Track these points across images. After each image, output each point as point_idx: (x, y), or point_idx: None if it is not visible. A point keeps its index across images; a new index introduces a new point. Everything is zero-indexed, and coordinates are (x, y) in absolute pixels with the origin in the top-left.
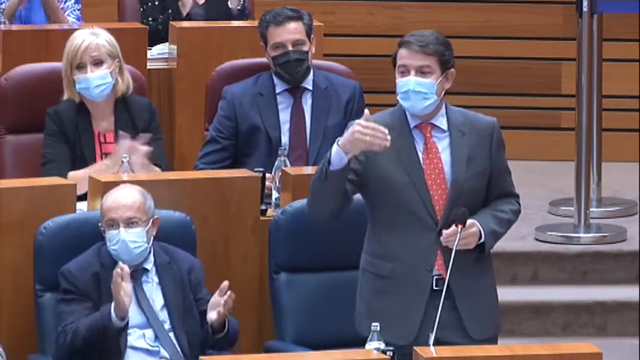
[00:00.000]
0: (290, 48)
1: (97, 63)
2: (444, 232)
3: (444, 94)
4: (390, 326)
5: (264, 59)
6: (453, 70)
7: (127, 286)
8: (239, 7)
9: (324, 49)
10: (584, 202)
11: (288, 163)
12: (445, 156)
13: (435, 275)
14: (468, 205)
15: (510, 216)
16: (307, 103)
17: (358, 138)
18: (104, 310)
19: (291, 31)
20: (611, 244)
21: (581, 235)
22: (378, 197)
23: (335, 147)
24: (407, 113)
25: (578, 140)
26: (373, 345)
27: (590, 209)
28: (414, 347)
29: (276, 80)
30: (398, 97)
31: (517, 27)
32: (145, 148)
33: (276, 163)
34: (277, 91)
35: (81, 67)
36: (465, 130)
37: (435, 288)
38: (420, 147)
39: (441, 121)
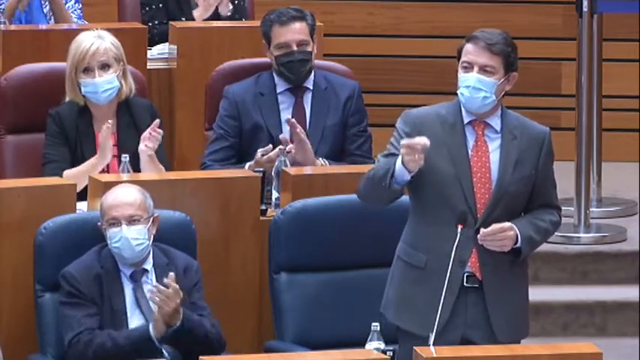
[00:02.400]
0: (295, 48)
1: (104, 67)
2: (482, 230)
3: (503, 96)
4: (416, 317)
5: (264, 59)
6: (516, 73)
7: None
8: (229, 14)
9: (324, 49)
10: (584, 202)
11: (288, 163)
12: (494, 156)
13: (467, 272)
14: (509, 208)
15: (548, 226)
16: (307, 102)
17: (407, 161)
18: (142, 329)
19: (296, 31)
20: (611, 244)
21: (581, 235)
22: (422, 188)
23: (399, 164)
24: (462, 109)
25: (578, 140)
26: (373, 345)
27: (590, 209)
28: (414, 347)
29: (277, 80)
30: (458, 92)
31: (517, 27)
32: (158, 136)
33: (276, 163)
34: (278, 90)
35: (88, 70)
36: (516, 134)
37: (465, 284)
38: (470, 144)
39: (496, 122)
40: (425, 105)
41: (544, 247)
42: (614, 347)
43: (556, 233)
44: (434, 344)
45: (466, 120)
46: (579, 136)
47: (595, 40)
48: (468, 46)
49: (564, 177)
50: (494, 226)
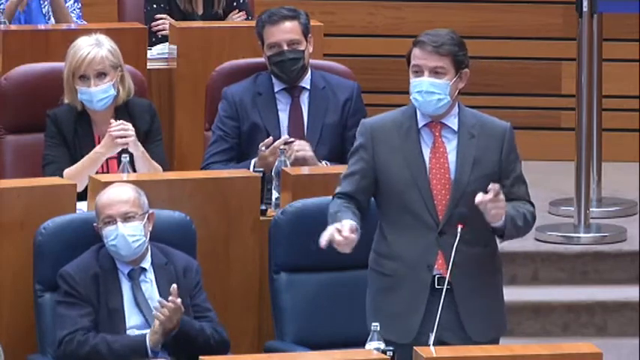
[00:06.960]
0: (285, 47)
1: (101, 75)
2: (480, 196)
3: (458, 94)
4: (392, 325)
5: (263, 59)
6: (467, 70)
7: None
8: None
9: (324, 49)
10: (584, 202)
11: (288, 163)
12: (452, 157)
13: (437, 274)
14: (472, 208)
15: (528, 214)
16: (305, 102)
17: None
18: (138, 338)
19: (286, 31)
20: (611, 244)
21: (581, 235)
22: (384, 196)
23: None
24: (417, 112)
25: (578, 140)
26: (373, 345)
27: (590, 209)
28: (414, 347)
29: (274, 80)
30: (411, 97)
31: (517, 27)
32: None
33: (276, 163)
34: (275, 90)
35: (84, 78)
36: (474, 132)
37: (436, 287)
38: (427, 146)
39: (452, 122)
40: None
41: (544, 247)
42: (614, 347)
43: (556, 233)
44: (410, 348)
45: (422, 123)
46: (579, 136)
47: (595, 40)
48: (416, 51)
49: (564, 177)
50: (492, 190)
